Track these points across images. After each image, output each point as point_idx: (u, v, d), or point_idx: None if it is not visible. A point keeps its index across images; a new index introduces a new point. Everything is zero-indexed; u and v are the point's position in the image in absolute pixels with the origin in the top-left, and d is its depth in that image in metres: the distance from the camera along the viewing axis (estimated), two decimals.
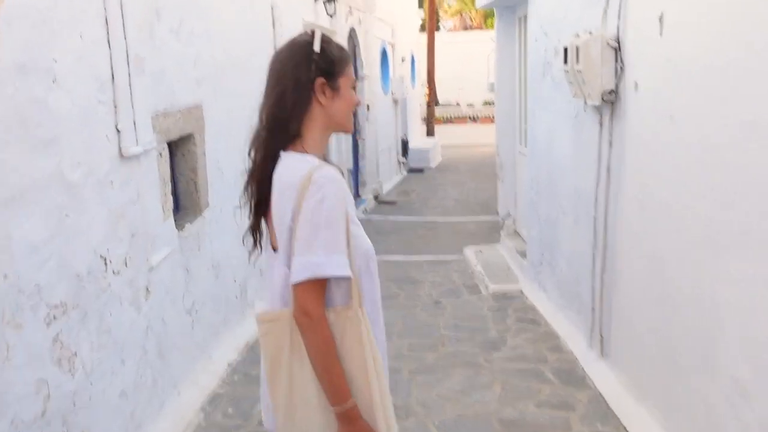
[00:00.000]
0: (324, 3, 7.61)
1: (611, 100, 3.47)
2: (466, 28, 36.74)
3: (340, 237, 1.52)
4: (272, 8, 5.50)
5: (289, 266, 1.55)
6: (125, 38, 2.91)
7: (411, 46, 17.37)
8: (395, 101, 14.16)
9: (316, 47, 1.59)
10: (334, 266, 1.50)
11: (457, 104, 25.27)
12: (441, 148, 17.45)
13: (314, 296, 1.51)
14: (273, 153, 1.60)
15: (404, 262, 6.75)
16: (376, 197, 11.37)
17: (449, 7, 38.80)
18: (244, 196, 1.69)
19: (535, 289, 5.28)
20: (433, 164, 15.78)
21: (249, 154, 1.66)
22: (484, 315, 5.05)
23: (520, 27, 6.12)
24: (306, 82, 1.59)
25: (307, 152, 1.60)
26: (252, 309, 4.93)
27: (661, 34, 2.88)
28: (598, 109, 3.68)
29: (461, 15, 39.75)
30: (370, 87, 11.31)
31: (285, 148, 1.61)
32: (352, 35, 10.24)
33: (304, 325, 1.52)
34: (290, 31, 6.41)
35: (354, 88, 1.68)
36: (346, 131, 1.72)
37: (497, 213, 10.20)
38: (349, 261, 1.54)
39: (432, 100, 19.12)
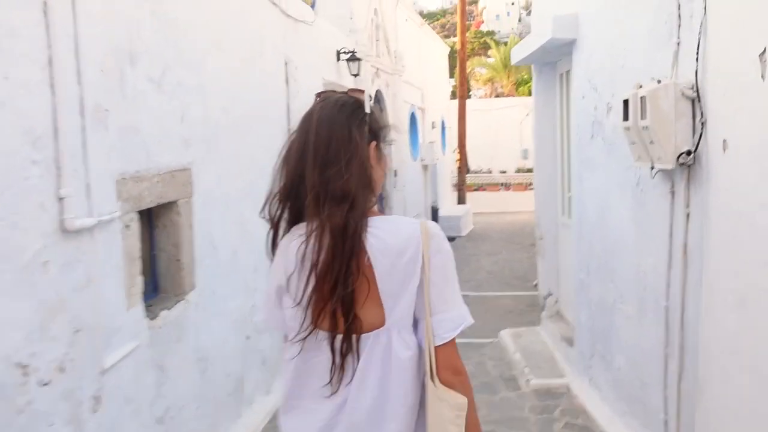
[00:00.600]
0: (347, 62, 7.15)
1: (688, 162, 2.77)
2: (497, 96, 36.70)
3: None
4: (286, 64, 4.99)
5: (415, 333, 1.47)
6: (79, 83, 2.34)
7: (441, 111, 17.00)
8: (425, 167, 13.62)
9: (368, 109, 1.51)
10: (469, 315, 1.49)
11: (489, 171, 24.71)
12: (472, 216, 16.78)
13: (457, 351, 1.48)
14: (358, 226, 1.43)
15: None
16: None
17: (480, 75, 38.97)
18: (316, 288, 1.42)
19: (586, 386, 4.45)
20: (465, 232, 15.04)
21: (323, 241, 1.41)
22: (525, 418, 4.22)
23: (561, 84, 5.51)
24: (367, 149, 1.49)
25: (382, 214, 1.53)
26: (251, 407, 4.20)
27: (763, 76, 2.20)
28: (669, 175, 2.98)
29: (492, 83, 39.88)
30: (398, 151, 10.80)
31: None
32: (378, 98, 9.79)
33: (458, 384, 1.46)
34: (308, 89, 5.91)
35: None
36: (376, 196, 1.55)
37: (535, 287, 9.37)
38: None
39: (463, 167, 18.55)
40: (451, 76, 24.18)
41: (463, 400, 1.44)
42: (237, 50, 4.11)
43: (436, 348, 1.43)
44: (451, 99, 19.84)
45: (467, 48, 22.24)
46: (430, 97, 14.74)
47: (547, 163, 5.86)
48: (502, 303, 8.37)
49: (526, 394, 4.62)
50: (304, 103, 5.39)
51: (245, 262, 4.17)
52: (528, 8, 37.53)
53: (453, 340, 1.44)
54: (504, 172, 24.02)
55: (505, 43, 36.76)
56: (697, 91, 2.67)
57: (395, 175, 10.68)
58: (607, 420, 3.94)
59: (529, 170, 25.51)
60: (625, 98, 3.10)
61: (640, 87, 3.05)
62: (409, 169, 11.79)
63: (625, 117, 3.12)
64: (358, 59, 7.30)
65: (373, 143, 1.50)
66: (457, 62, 20.03)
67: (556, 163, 5.73)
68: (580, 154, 4.47)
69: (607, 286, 3.97)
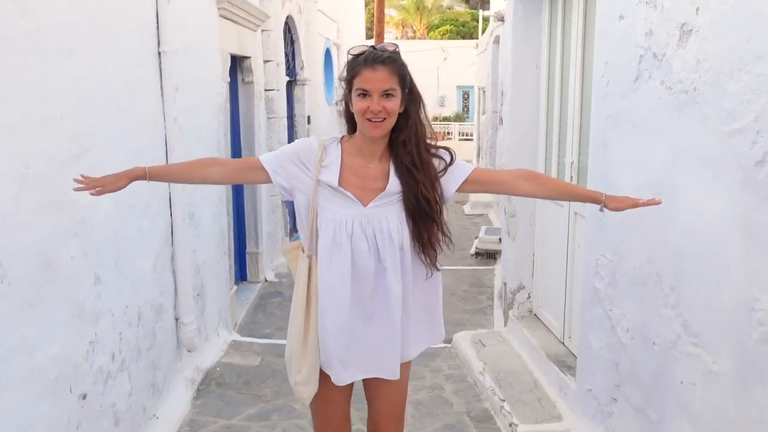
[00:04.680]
0: None
1: None
2: (409, 39, 34.99)
3: (275, 153, 2.03)
4: None
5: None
6: None
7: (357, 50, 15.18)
8: (340, 113, 11.90)
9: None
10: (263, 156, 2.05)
11: None
12: None
13: None
14: None
15: None
16: None
17: (390, 18, 37.04)
18: None
19: None
20: None
21: None
22: None
23: (553, 7, 4.00)
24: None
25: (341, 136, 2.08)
26: None
27: None
28: None
29: (403, 27, 38.05)
30: (311, 94, 9.03)
31: None
32: (289, 26, 7.93)
33: None
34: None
35: (363, 95, 1.90)
36: (366, 135, 1.96)
37: (473, 257, 8.10)
38: (314, 223, 1.97)
39: None
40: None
41: None
42: None
43: None
44: (366, 39, 18.02)
45: None
46: (347, 32, 12.90)
47: (523, 115, 4.38)
48: None
49: None
50: (185, 10, 3.51)
51: (73, 273, 2.45)
52: None
53: None
54: None
55: None
56: None
57: (308, 122, 8.95)
58: None
59: (446, 119, 24.28)
60: None
61: None
62: (323, 115, 10.06)
63: None
64: None
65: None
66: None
67: (538, 115, 4.26)
68: (607, 106, 2.99)
69: (661, 313, 2.58)
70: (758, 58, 2.01)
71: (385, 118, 1.91)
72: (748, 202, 2.06)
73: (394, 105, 1.92)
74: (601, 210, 2.18)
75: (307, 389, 2.03)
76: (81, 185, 1.89)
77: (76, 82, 2.47)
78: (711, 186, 2.26)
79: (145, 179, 1.97)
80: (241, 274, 6.18)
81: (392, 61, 1.92)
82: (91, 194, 1.90)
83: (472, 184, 2.08)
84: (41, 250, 2.22)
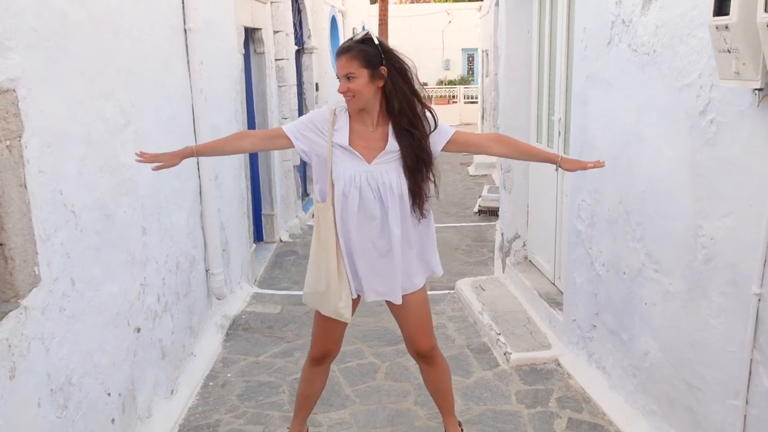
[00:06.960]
0: None
1: None
2: (412, 2, 34.85)
3: (295, 123, 2.44)
4: None
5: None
6: None
7: (362, 17, 15.39)
8: None
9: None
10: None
11: None
12: None
13: None
14: None
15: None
16: None
17: None
18: None
19: (582, 363, 3.56)
20: None
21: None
22: (515, 413, 3.29)
23: None
24: None
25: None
26: (149, 421, 3.04)
27: None
28: None
29: None
30: (319, 62, 9.35)
31: None
32: None
33: None
34: None
35: (339, 78, 2.34)
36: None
37: (476, 215, 8.51)
38: (330, 179, 2.37)
39: None
40: None
41: None
42: None
43: None
44: (370, 4, 18.16)
45: None
46: None
47: (516, 77, 4.74)
48: (444, 237, 7.40)
49: (507, 372, 3.69)
50: None
51: (126, 224, 2.88)
52: None
53: None
54: (425, 84, 22.74)
55: None
56: None
57: (317, 89, 9.28)
58: (625, 417, 3.06)
59: (451, 82, 24.43)
60: None
61: None
62: (331, 82, 10.37)
63: (719, 11, 2.02)
64: None
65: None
66: None
67: (530, 77, 4.62)
68: (585, 67, 3.36)
69: (629, 246, 2.99)
70: (701, 25, 2.38)
71: (353, 95, 2.30)
72: (694, 145, 2.46)
73: (357, 84, 2.28)
74: (556, 170, 2.60)
75: (347, 311, 2.45)
76: (141, 158, 2.32)
77: (122, 60, 2.87)
78: (667, 134, 2.65)
79: (193, 156, 2.43)
80: (257, 234, 6.61)
81: (350, 50, 2.29)
82: (152, 169, 2.37)
83: (453, 144, 2.46)
84: (102, 204, 2.65)
